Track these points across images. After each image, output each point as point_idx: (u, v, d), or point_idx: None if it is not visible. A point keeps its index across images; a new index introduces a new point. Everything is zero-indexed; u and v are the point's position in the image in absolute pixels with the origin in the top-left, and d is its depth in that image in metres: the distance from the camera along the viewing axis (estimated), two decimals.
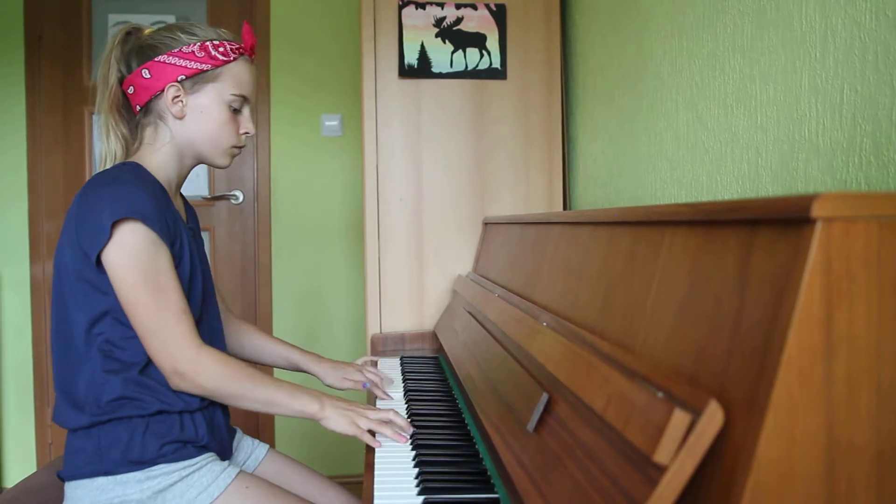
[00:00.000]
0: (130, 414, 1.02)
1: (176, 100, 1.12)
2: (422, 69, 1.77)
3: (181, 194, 1.26)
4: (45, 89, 2.59)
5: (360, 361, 1.47)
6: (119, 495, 1.00)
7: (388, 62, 1.77)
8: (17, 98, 2.58)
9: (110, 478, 1.01)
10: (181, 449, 1.04)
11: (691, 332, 0.59)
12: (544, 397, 0.79)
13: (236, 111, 1.16)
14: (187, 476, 1.03)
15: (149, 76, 1.11)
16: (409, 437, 1.07)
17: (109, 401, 1.02)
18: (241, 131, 1.18)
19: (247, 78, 1.16)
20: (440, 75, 1.77)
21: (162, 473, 1.02)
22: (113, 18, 2.62)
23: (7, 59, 2.57)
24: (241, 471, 1.09)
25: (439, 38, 1.77)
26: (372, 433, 1.06)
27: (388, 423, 1.07)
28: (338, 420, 1.05)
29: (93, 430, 1.03)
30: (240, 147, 1.20)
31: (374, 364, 1.53)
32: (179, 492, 1.02)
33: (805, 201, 0.47)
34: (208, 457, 1.08)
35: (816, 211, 0.46)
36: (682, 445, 0.50)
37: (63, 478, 1.05)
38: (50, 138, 2.60)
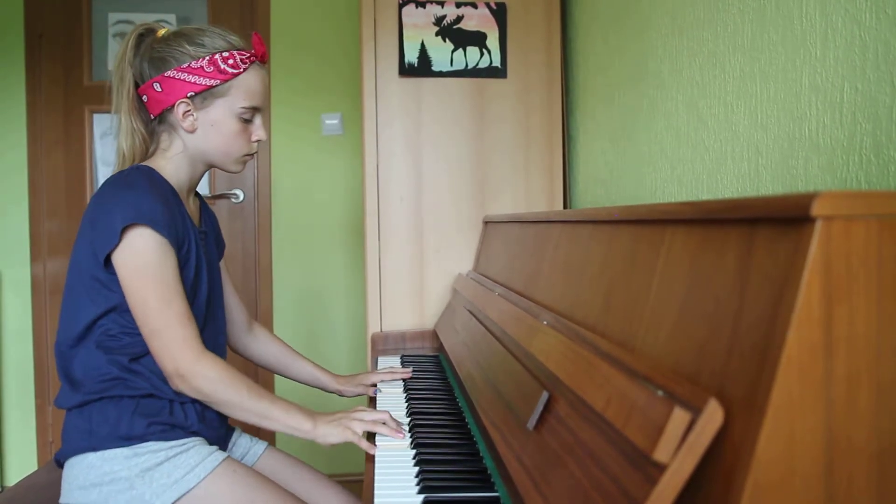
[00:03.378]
0: (121, 394, 1.06)
1: (186, 115, 1.13)
2: (422, 68, 1.77)
3: (199, 196, 1.29)
4: (45, 89, 2.59)
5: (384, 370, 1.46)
6: (107, 472, 1.03)
7: (388, 61, 1.77)
8: (17, 97, 2.57)
9: (98, 454, 1.04)
10: (169, 430, 1.06)
11: (691, 331, 0.59)
12: (544, 396, 0.79)
13: (247, 121, 1.17)
14: (174, 456, 1.05)
15: (160, 90, 1.12)
16: (405, 434, 1.07)
17: (102, 380, 1.06)
18: (253, 139, 1.19)
19: (257, 88, 1.16)
20: (440, 74, 1.77)
21: (149, 451, 1.04)
22: (113, 17, 2.62)
23: (7, 58, 2.57)
24: (228, 456, 1.10)
25: (439, 37, 1.76)
26: (370, 438, 1.06)
27: (383, 422, 1.08)
28: (332, 432, 1.06)
29: (85, 409, 1.06)
30: (251, 154, 1.21)
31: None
32: (166, 471, 1.04)
33: (805, 200, 0.46)
34: (196, 440, 1.10)
35: (816, 210, 0.46)
36: (681, 444, 0.50)
37: (59, 459, 1.09)
38: (50, 138, 2.60)
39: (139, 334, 1.05)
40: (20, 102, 2.58)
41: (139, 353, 1.07)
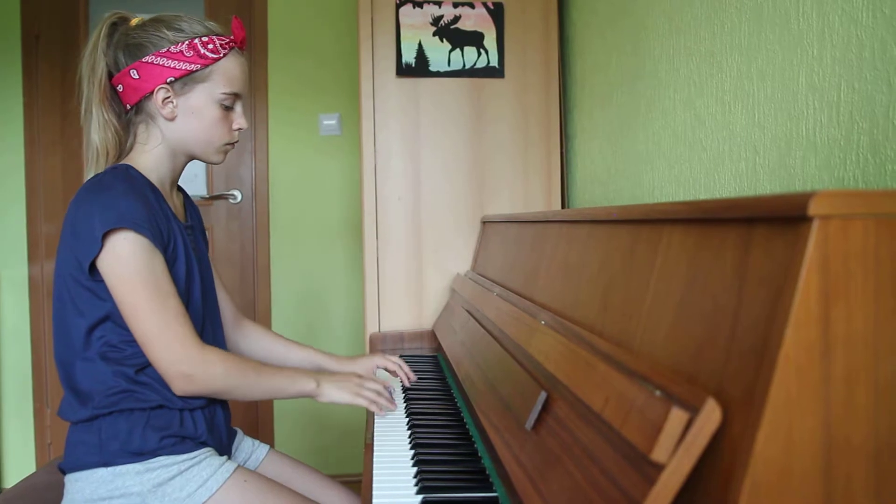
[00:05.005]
0: (132, 407, 1.03)
1: (166, 101, 1.10)
2: (419, 68, 1.77)
3: (182, 191, 1.26)
4: (42, 90, 2.58)
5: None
6: (119, 487, 1.01)
7: (385, 61, 1.77)
8: (14, 99, 2.57)
9: (110, 469, 1.01)
10: (180, 443, 1.05)
11: (689, 331, 0.59)
12: (542, 396, 0.79)
13: (228, 108, 1.14)
14: (186, 470, 1.04)
15: (137, 77, 1.09)
16: (396, 405, 1.16)
17: (111, 394, 1.03)
18: (234, 127, 1.16)
19: (238, 74, 1.14)
20: (438, 74, 1.77)
21: (161, 466, 1.02)
22: None
23: (4, 59, 2.56)
24: (238, 466, 1.10)
25: (437, 37, 1.76)
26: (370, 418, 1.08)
27: (382, 394, 1.15)
28: (338, 392, 1.12)
29: (94, 423, 1.03)
30: (233, 143, 1.18)
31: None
32: (179, 485, 1.02)
33: (802, 199, 0.46)
34: (206, 451, 1.08)
35: (813, 209, 0.46)
36: (679, 444, 0.50)
37: (64, 469, 1.06)
38: (47, 139, 2.59)
39: None
40: (17, 104, 2.57)
41: (145, 363, 1.04)
